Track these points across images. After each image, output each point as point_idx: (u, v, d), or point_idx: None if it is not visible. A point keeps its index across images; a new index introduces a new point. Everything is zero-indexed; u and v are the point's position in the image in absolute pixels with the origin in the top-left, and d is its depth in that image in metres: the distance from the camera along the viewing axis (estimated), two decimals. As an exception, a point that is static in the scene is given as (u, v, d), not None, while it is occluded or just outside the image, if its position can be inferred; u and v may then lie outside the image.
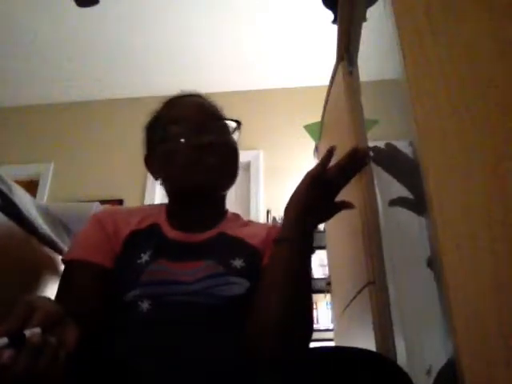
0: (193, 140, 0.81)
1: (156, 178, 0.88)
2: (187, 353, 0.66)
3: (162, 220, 0.85)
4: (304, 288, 0.72)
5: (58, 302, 0.67)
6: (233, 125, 0.89)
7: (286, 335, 0.67)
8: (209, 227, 0.84)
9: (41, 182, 3.42)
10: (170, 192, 0.88)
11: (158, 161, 0.86)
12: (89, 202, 1.46)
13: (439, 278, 0.43)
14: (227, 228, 0.85)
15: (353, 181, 0.90)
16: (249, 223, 0.92)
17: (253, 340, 0.68)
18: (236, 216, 0.92)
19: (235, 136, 0.89)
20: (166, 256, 0.77)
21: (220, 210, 0.89)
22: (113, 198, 3.21)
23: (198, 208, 0.84)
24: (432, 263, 1.14)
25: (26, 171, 3.42)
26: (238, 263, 0.77)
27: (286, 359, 0.67)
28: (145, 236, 0.81)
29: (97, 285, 0.74)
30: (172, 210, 0.87)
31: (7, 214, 0.83)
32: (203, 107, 0.89)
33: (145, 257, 0.76)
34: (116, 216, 0.84)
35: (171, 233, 0.82)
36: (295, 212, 0.74)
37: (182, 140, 0.81)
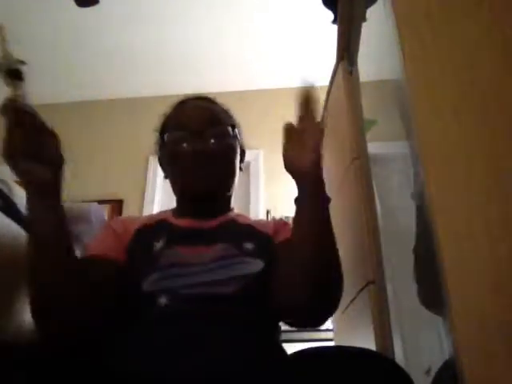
0: (189, 146, 0.85)
1: (165, 177, 0.95)
2: (207, 351, 0.65)
3: (169, 216, 0.90)
4: (331, 238, 0.75)
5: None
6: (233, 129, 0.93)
7: (322, 282, 0.71)
8: (217, 216, 0.89)
9: (41, 182, 3.42)
10: (175, 191, 0.93)
11: (163, 163, 0.95)
12: (89, 202, 1.46)
13: (439, 278, 0.43)
14: (237, 218, 0.91)
15: (353, 182, 0.90)
16: (255, 220, 0.97)
17: (286, 296, 0.72)
18: (242, 214, 0.97)
19: (234, 139, 0.92)
20: (179, 242, 0.80)
21: (225, 207, 0.93)
22: (113, 198, 3.20)
23: (203, 205, 0.88)
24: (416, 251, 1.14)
25: (26, 171, 3.42)
26: (249, 246, 0.81)
27: (323, 310, 0.73)
28: (154, 228, 0.86)
29: (109, 281, 0.76)
30: (180, 204, 0.93)
31: (7, 214, 0.83)
32: (204, 112, 0.92)
33: (159, 244, 0.80)
34: (125, 220, 0.90)
35: (181, 222, 0.87)
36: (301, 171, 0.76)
37: (181, 145, 0.86)
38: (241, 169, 0.97)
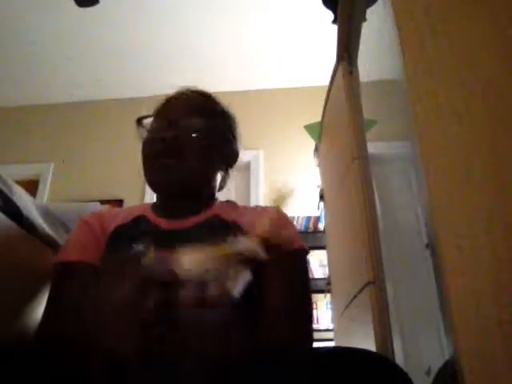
0: (159, 134, 0.80)
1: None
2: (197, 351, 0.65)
3: (147, 212, 0.84)
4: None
5: (50, 306, 0.72)
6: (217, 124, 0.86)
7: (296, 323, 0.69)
8: (194, 214, 0.81)
9: (41, 182, 3.42)
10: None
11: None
12: (89, 202, 1.46)
13: (439, 279, 0.43)
14: (221, 213, 0.83)
15: (353, 182, 0.90)
16: (246, 209, 0.88)
17: (264, 330, 0.68)
18: (231, 203, 0.89)
19: (215, 135, 0.85)
20: (160, 245, 0.74)
21: (205, 204, 0.85)
22: (113, 198, 3.21)
23: (175, 200, 0.83)
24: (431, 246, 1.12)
25: (26, 171, 3.42)
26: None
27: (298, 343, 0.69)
28: (132, 228, 0.81)
29: (94, 286, 0.73)
30: (157, 201, 0.87)
31: (7, 214, 0.83)
32: (187, 103, 0.87)
33: (139, 247, 0.75)
34: (102, 217, 0.84)
35: (158, 221, 0.81)
36: None
37: (154, 134, 0.82)
38: (227, 170, 0.90)
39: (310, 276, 2.64)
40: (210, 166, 0.85)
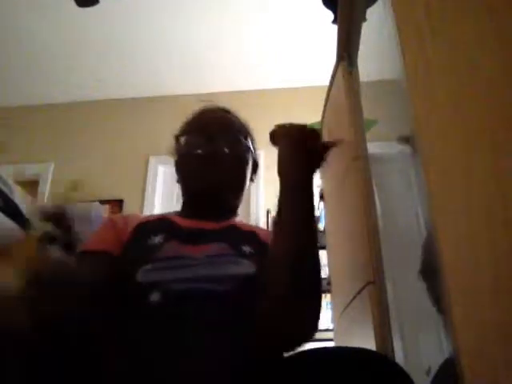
0: (201, 150, 0.89)
1: (177, 181, 0.98)
2: (196, 351, 0.66)
3: (172, 216, 0.92)
4: (312, 251, 0.74)
5: None
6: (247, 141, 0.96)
7: (296, 307, 0.69)
8: (220, 220, 0.90)
9: (41, 182, 3.42)
10: (183, 192, 0.96)
11: (177, 166, 0.98)
12: (89, 202, 1.46)
13: (439, 278, 0.43)
14: (240, 225, 0.92)
15: (353, 182, 0.90)
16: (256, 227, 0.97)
17: (264, 319, 0.69)
18: (244, 223, 0.98)
19: (247, 149, 0.95)
20: (178, 239, 0.82)
21: (230, 214, 0.95)
22: (113, 198, 3.20)
23: (206, 207, 0.90)
24: (424, 273, 1.13)
25: (26, 171, 3.42)
26: (247, 249, 0.82)
27: (298, 337, 0.71)
28: (155, 223, 0.88)
29: (107, 271, 0.77)
30: (185, 206, 0.95)
31: (7, 214, 0.83)
32: (220, 120, 0.96)
33: (157, 238, 0.81)
34: (128, 217, 0.92)
35: (183, 221, 0.88)
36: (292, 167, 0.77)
37: (194, 149, 0.90)
38: (252, 180, 1.00)
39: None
40: (243, 176, 0.95)
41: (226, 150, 0.90)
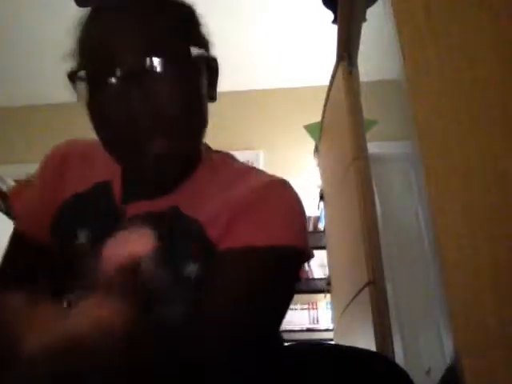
0: (121, 105, 0.52)
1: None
2: None
3: (115, 177, 0.62)
4: None
5: None
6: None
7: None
8: (165, 193, 0.58)
9: (41, 182, 3.42)
10: (115, 160, 0.59)
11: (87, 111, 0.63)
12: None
13: (439, 279, 0.43)
14: (183, 202, 0.57)
15: (353, 182, 0.90)
16: (237, 178, 0.60)
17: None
18: (221, 162, 0.63)
19: (196, 66, 0.58)
20: (106, 236, 0.47)
21: (183, 170, 0.59)
22: (113, 198, 3.21)
23: (148, 179, 0.57)
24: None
25: (26, 171, 3.42)
26: (191, 269, 0.53)
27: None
28: (89, 199, 0.60)
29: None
30: (124, 172, 0.62)
31: (7, 213, 0.83)
32: (140, 32, 0.54)
33: (82, 236, 0.57)
34: (62, 163, 0.66)
35: (120, 202, 0.59)
36: None
37: (108, 100, 0.54)
38: (212, 98, 0.62)
39: (309, 276, 2.64)
40: (201, 115, 0.59)
41: (157, 68, 0.51)
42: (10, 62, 3.36)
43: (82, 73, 0.58)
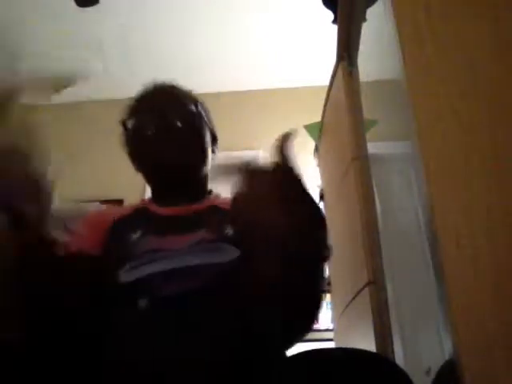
0: (153, 128, 0.84)
1: (137, 170, 0.91)
2: (185, 352, 0.64)
3: (149, 203, 0.87)
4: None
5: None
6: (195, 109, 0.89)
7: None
8: (195, 201, 0.85)
9: (41, 182, 3.42)
10: (147, 179, 0.90)
11: (131, 154, 0.90)
12: (89, 202, 1.46)
13: (439, 278, 0.43)
14: (218, 203, 0.86)
15: (353, 182, 0.90)
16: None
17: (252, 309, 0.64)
18: (224, 199, 0.89)
19: (200, 118, 0.89)
20: (156, 232, 0.77)
21: (202, 191, 0.90)
22: (113, 198, 3.20)
23: (175, 189, 0.86)
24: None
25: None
26: (229, 231, 0.76)
27: (290, 330, 0.66)
28: (132, 218, 0.83)
29: (85, 278, 0.73)
30: (154, 192, 0.90)
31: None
32: (166, 95, 0.90)
33: (135, 235, 0.77)
34: (103, 212, 0.89)
35: (159, 209, 0.84)
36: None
37: (145, 129, 0.85)
38: (213, 151, 0.94)
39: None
40: (203, 148, 0.88)
41: (179, 123, 0.85)
42: (9, 63, 3.36)
43: (130, 123, 0.89)
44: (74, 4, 2.04)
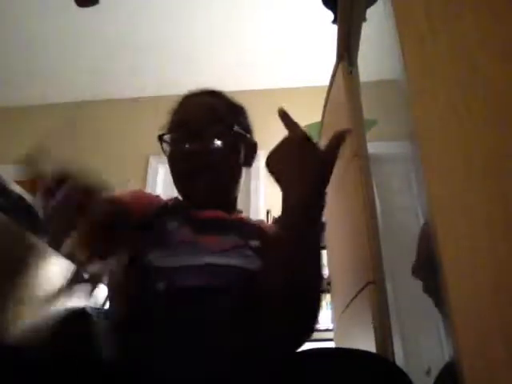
0: (187, 147, 0.86)
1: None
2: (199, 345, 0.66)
3: (180, 201, 0.91)
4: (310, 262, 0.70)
5: None
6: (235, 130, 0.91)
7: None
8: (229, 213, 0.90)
9: (41, 182, 3.42)
10: (179, 194, 0.94)
11: (168, 163, 0.93)
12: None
13: (439, 278, 0.43)
14: (246, 219, 0.93)
15: (353, 181, 0.90)
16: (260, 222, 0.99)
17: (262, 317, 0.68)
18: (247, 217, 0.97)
19: (236, 138, 0.91)
20: (190, 226, 0.81)
21: (231, 208, 0.93)
22: (113, 198, 3.21)
23: (203, 207, 0.88)
24: (416, 271, 1.13)
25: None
26: (254, 243, 0.81)
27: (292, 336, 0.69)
28: (169, 209, 0.87)
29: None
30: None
31: (7, 213, 0.83)
32: (205, 110, 0.90)
33: (173, 224, 0.81)
34: (153, 196, 0.94)
35: (192, 211, 0.87)
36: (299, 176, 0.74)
37: (180, 146, 0.87)
38: (250, 165, 0.97)
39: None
40: (236, 167, 0.92)
41: (213, 143, 0.86)
42: (9, 63, 3.36)
43: (167, 136, 0.92)
44: (74, 4, 2.04)
